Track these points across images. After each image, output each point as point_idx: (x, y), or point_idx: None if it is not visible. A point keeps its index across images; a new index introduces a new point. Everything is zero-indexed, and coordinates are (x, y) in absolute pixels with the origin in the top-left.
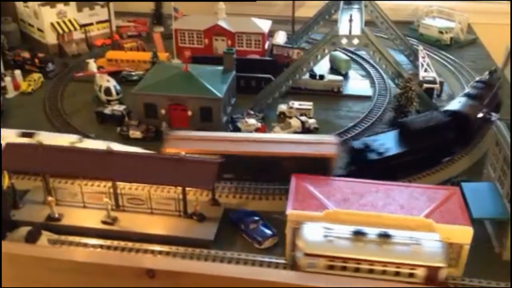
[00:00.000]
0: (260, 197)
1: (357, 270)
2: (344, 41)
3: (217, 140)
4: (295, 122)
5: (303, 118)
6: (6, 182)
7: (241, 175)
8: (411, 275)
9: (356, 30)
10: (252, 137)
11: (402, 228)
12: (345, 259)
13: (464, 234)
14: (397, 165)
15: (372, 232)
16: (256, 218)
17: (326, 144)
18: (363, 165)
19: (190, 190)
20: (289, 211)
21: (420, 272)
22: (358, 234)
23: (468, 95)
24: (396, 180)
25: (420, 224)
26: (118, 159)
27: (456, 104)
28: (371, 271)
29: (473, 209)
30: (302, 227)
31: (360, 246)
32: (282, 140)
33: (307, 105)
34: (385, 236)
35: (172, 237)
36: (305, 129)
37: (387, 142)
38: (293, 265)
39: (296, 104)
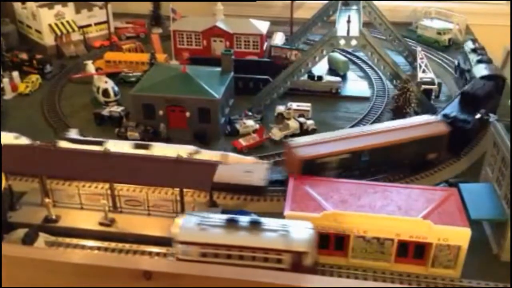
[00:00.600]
0: (258, 198)
1: (229, 257)
2: (342, 42)
3: (340, 139)
4: (293, 123)
5: (301, 119)
6: (3, 184)
7: (369, 169)
8: (278, 260)
9: (354, 31)
10: (368, 131)
11: (400, 229)
12: (216, 246)
13: (462, 236)
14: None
15: (244, 220)
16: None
17: (434, 123)
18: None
19: (188, 191)
20: (287, 212)
21: (287, 258)
22: (231, 222)
23: (481, 61)
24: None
25: (418, 225)
26: (115, 161)
27: (482, 69)
28: (241, 257)
29: (471, 210)
30: (181, 216)
31: (232, 233)
32: (396, 128)
33: (305, 106)
34: (255, 224)
35: (169, 238)
36: (303, 130)
37: (458, 111)
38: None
39: (294, 105)
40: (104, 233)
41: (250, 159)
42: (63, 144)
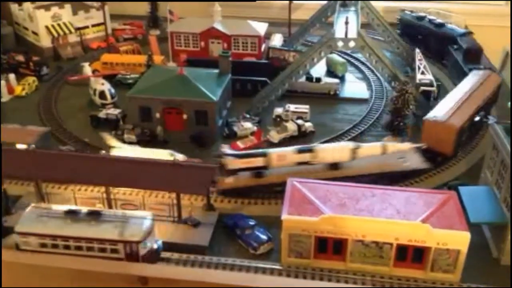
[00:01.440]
0: (255, 202)
1: (67, 247)
2: (340, 43)
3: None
4: (291, 126)
5: (300, 121)
6: None
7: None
8: (114, 251)
9: (352, 33)
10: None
11: (398, 233)
12: (54, 237)
13: (461, 240)
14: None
15: (83, 211)
16: (252, 223)
17: None
18: None
19: (185, 195)
20: (285, 216)
21: (122, 248)
22: (71, 213)
23: None
24: None
25: (417, 229)
26: (112, 164)
27: None
28: (79, 248)
29: (471, 213)
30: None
31: (71, 224)
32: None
33: (304, 108)
34: (94, 214)
35: (166, 243)
36: (302, 133)
37: None
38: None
39: (292, 107)
40: None
41: (406, 144)
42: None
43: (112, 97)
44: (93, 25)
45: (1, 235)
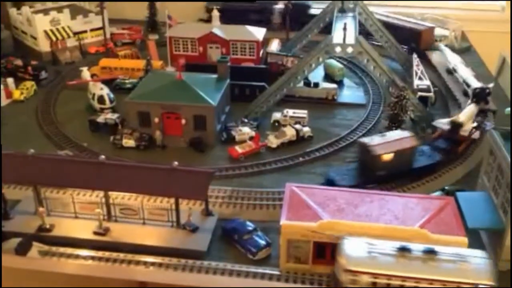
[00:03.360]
0: (254, 207)
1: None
2: (338, 49)
3: None
4: (289, 131)
5: (298, 126)
6: None
7: None
8: None
9: (350, 39)
10: None
11: (397, 238)
12: (389, 276)
13: (459, 245)
14: None
15: (417, 248)
16: (250, 228)
17: None
18: None
19: (184, 200)
20: (283, 221)
21: None
22: (403, 251)
23: None
24: None
25: (415, 234)
26: (110, 169)
27: None
28: None
29: (468, 219)
30: (343, 241)
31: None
32: None
33: (302, 113)
34: (430, 253)
35: (164, 248)
36: (300, 138)
37: None
38: (335, 282)
39: (290, 112)
40: (98, 242)
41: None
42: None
43: (111, 102)
44: (92, 30)
45: (0, 240)
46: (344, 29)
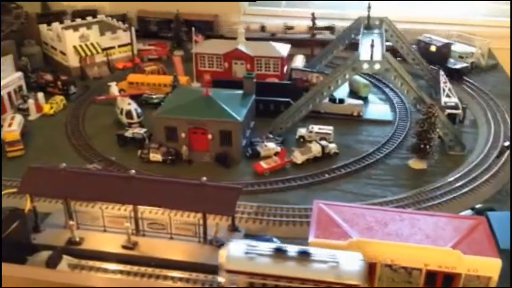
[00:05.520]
0: (280, 223)
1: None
2: (365, 66)
3: None
4: (315, 147)
5: (323, 142)
6: (28, 205)
7: None
8: None
9: (377, 56)
10: None
11: (428, 259)
12: (264, 276)
13: (492, 266)
14: None
15: (292, 250)
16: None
17: None
18: None
19: (211, 215)
20: (312, 239)
21: None
22: (279, 252)
23: None
24: None
25: (447, 255)
26: (140, 184)
27: None
28: None
29: (501, 239)
30: (227, 243)
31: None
32: None
33: (327, 129)
34: (304, 254)
35: (191, 263)
36: (325, 154)
37: None
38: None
39: (316, 128)
40: (127, 256)
41: None
42: None
43: (139, 117)
44: (120, 46)
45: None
46: (371, 45)
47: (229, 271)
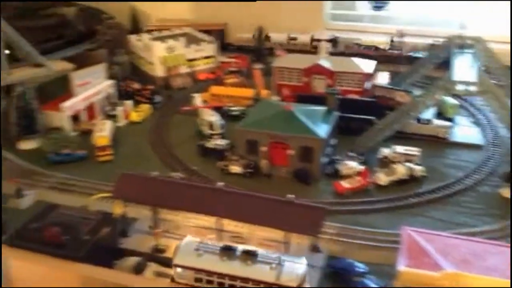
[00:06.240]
0: (363, 247)
1: (221, 284)
2: (460, 87)
3: None
4: (401, 169)
5: (410, 164)
6: (118, 210)
7: None
8: None
9: (473, 76)
10: None
11: None
12: (211, 273)
13: None
14: None
15: (239, 249)
16: (361, 270)
17: None
18: None
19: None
20: (402, 268)
21: None
22: (226, 250)
23: None
24: None
25: None
26: (226, 197)
27: None
28: (232, 286)
29: None
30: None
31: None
32: None
33: (414, 150)
34: (250, 254)
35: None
36: (412, 177)
37: None
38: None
39: (400, 149)
40: None
41: None
42: None
43: (221, 128)
44: (203, 57)
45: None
46: (465, 66)
47: (177, 265)
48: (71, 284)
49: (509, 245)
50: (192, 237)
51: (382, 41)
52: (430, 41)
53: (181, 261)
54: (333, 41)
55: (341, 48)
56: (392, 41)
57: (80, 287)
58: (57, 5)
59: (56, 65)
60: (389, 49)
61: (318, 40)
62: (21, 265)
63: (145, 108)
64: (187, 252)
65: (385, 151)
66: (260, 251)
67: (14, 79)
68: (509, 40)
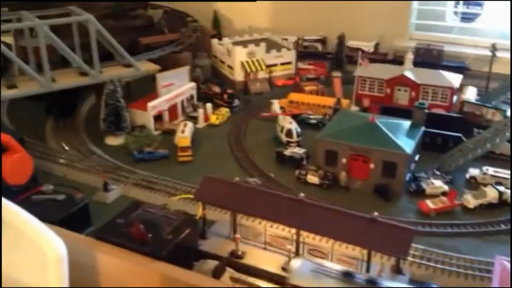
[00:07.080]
0: (450, 273)
1: None
2: None
3: None
4: (491, 192)
5: (501, 188)
6: (200, 213)
7: None
8: None
9: None
10: None
11: None
12: None
13: None
14: None
15: (359, 277)
16: None
17: None
18: None
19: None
20: None
21: None
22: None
23: None
24: None
25: None
26: (307, 208)
27: None
28: None
29: None
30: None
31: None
32: None
33: (505, 173)
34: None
35: None
36: (502, 201)
37: None
38: None
39: (491, 170)
40: (283, 278)
41: None
42: None
43: (298, 136)
44: (282, 64)
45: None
46: None
47: (295, 286)
48: (150, 282)
49: None
50: (306, 257)
51: (366, 44)
52: None
53: (299, 282)
54: (322, 42)
55: (330, 48)
56: (377, 44)
57: (159, 287)
58: (145, 6)
59: (143, 66)
60: (373, 52)
61: (308, 41)
62: (106, 258)
63: (224, 111)
64: (303, 273)
65: (474, 172)
66: (379, 279)
67: (105, 78)
68: None
